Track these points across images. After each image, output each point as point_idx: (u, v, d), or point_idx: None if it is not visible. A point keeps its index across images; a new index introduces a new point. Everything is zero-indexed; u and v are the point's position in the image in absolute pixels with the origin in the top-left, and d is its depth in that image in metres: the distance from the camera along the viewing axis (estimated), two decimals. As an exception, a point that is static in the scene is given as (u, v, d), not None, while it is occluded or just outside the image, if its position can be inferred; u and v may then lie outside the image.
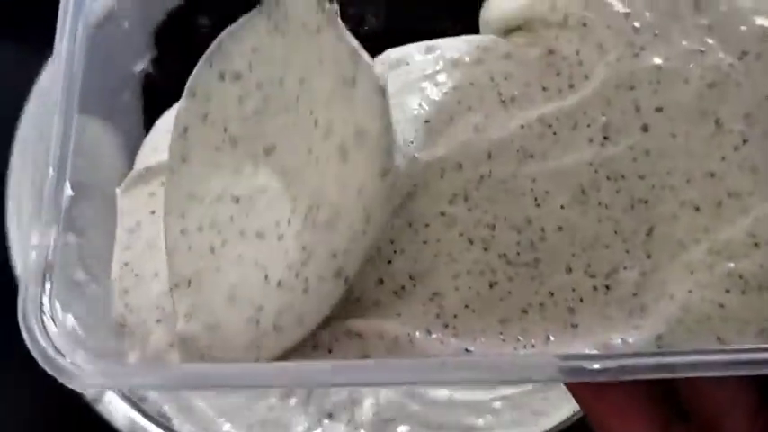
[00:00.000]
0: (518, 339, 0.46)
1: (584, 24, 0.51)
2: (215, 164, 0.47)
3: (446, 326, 0.46)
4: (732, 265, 0.46)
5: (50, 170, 0.47)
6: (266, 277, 0.44)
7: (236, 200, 0.46)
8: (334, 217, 0.43)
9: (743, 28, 0.50)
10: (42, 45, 0.70)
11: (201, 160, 0.47)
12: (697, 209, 0.47)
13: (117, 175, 0.55)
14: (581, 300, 0.47)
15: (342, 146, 0.43)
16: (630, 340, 0.45)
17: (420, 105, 0.50)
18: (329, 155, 0.43)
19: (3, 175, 0.71)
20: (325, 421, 0.55)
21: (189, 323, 0.45)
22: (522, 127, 0.49)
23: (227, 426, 0.57)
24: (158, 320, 0.49)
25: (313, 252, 0.43)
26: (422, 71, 0.52)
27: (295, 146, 0.45)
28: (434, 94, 0.51)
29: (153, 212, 0.51)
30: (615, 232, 0.47)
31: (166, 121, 0.54)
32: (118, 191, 0.53)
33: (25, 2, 0.54)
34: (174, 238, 0.46)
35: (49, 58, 0.64)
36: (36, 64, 0.73)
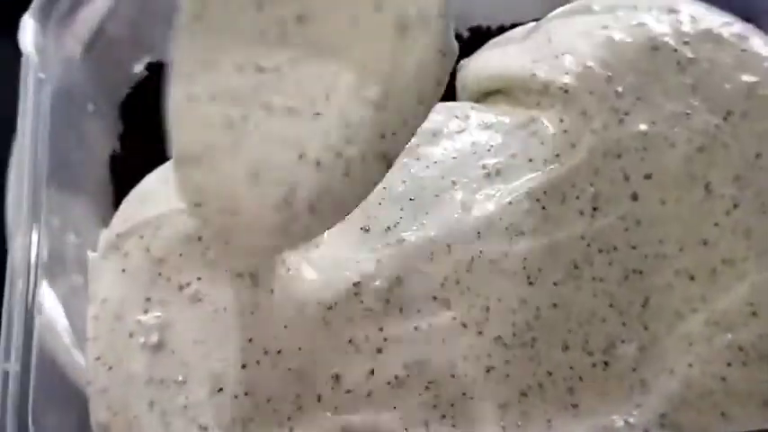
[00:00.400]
0: (518, 425, 0.45)
1: (566, 91, 0.50)
2: (236, 27, 0.40)
3: (443, 416, 0.45)
4: (731, 336, 0.45)
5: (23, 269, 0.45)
6: (301, 156, 0.39)
7: (261, 69, 0.40)
8: (385, 95, 0.39)
9: (727, 86, 0.49)
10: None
11: (219, 21, 0.40)
12: (692, 277, 0.47)
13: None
14: (580, 378, 0.46)
15: (400, 20, 0.38)
16: (632, 420, 0.44)
17: (403, 182, 0.49)
18: (382, 29, 0.39)
19: (3, 174, 0.69)
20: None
21: (199, 210, 0.40)
22: (510, 203, 0.47)
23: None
24: (142, 416, 0.46)
25: (358, 132, 0.39)
26: (402, 144, 0.50)
27: (335, 16, 0.39)
28: (417, 169, 0.49)
29: (124, 270, 0.49)
30: (611, 305, 0.46)
31: (138, 193, 0.52)
32: (90, 254, 0.51)
33: (26, 2, 0.52)
34: (181, 107, 0.40)
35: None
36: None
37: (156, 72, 0.60)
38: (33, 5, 0.52)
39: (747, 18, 0.57)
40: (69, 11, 0.53)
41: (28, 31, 0.51)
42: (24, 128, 0.49)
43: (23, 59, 0.51)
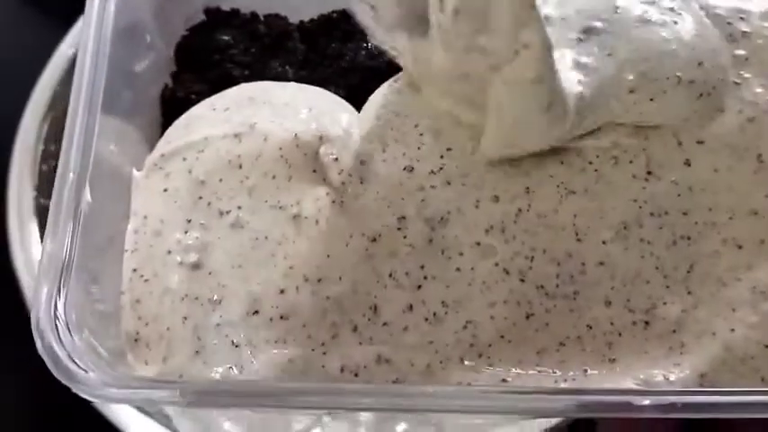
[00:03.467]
0: (555, 372, 0.44)
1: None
2: None
3: (480, 355, 0.44)
4: (776, 304, 0.44)
5: (70, 174, 0.45)
6: None
7: None
8: None
9: None
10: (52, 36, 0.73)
11: None
12: (740, 246, 0.46)
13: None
14: (620, 334, 0.45)
15: None
16: (672, 378, 0.44)
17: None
18: None
19: (4, 173, 0.70)
20: (326, 419, 0.52)
21: None
22: (562, 162, 0.47)
23: (227, 424, 0.53)
24: (175, 329, 0.46)
25: None
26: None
27: None
28: None
29: (165, 190, 0.49)
30: (656, 268, 0.46)
31: (184, 117, 0.52)
32: (135, 172, 0.51)
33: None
34: None
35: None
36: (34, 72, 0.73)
37: (213, 17, 0.61)
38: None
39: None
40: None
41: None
42: (87, 43, 0.49)
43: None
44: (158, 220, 0.48)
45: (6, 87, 0.76)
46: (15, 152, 0.70)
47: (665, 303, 0.45)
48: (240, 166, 0.49)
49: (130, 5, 0.54)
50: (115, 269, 0.48)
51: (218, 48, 0.60)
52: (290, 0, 0.61)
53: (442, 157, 0.48)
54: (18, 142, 0.71)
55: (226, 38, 0.60)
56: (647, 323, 0.45)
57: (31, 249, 0.66)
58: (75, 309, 0.42)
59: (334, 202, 0.47)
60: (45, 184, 0.67)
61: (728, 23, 0.50)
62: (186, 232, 0.48)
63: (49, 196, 0.46)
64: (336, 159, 0.48)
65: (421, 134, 0.49)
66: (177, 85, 0.58)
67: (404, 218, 0.46)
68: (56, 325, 0.41)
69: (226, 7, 0.61)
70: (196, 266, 0.47)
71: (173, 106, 0.56)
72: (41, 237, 0.65)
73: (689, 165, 0.47)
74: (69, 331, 0.41)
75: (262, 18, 0.61)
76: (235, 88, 0.54)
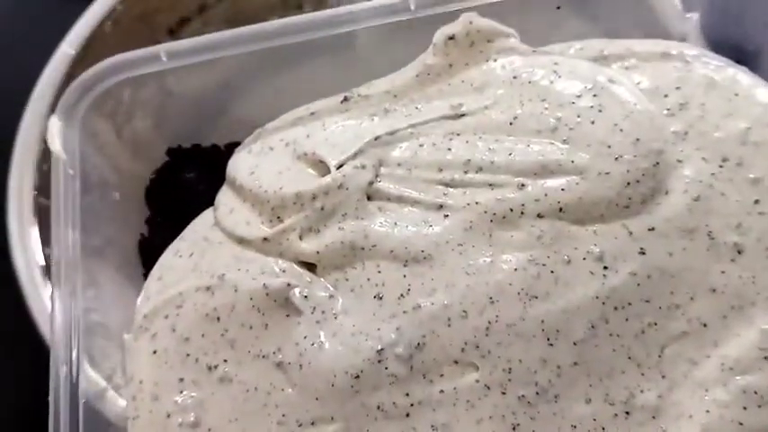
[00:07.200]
0: (548, 480, 0.46)
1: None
2: None
3: None
4: (745, 381, 0.46)
5: (63, 368, 0.48)
6: None
7: None
8: None
9: (720, 133, 0.51)
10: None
11: None
12: (704, 325, 0.48)
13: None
14: (603, 428, 0.47)
15: None
16: (655, 468, 0.46)
17: (406, 248, 0.51)
18: None
19: (4, 173, 0.70)
20: None
21: None
22: (516, 270, 0.49)
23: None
24: None
25: None
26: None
27: None
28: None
29: (155, 352, 0.52)
30: (629, 358, 0.48)
31: (156, 270, 0.55)
32: (125, 336, 0.53)
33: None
34: None
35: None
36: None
37: (175, 157, 0.63)
38: (59, 108, 0.55)
39: (740, 60, 0.58)
40: (92, 110, 0.56)
41: (55, 131, 0.54)
42: (58, 221, 0.52)
43: (53, 158, 0.53)
44: (153, 384, 0.51)
45: (6, 87, 0.76)
46: (15, 152, 0.70)
47: (642, 391, 0.47)
48: (218, 319, 0.51)
49: (93, 167, 0.56)
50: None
51: (185, 186, 0.62)
52: (248, 127, 0.63)
53: (405, 276, 0.50)
54: (18, 142, 0.70)
55: (190, 175, 0.62)
56: (627, 413, 0.47)
57: (32, 250, 0.66)
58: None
59: (313, 344, 0.49)
60: (45, 184, 0.65)
61: (665, 96, 0.52)
62: (181, 392, 0.50)
63: (49, 196, 0.47)
64: (307, 297, 0.51)
65: (374, 245, 0.51)
66: (152, 232, 0.60)
67: (382, 350, 0.48)
68: None
69: (187, 144, 0.63)
70: (195, 425, 0.49)
71: (152, 254, 0.59)
72: (41, 237, 0.66)
73: (644, 253, 0.49)
74: None
75: (223, 148, 0.63)
76: (189, 229, 0.57)
